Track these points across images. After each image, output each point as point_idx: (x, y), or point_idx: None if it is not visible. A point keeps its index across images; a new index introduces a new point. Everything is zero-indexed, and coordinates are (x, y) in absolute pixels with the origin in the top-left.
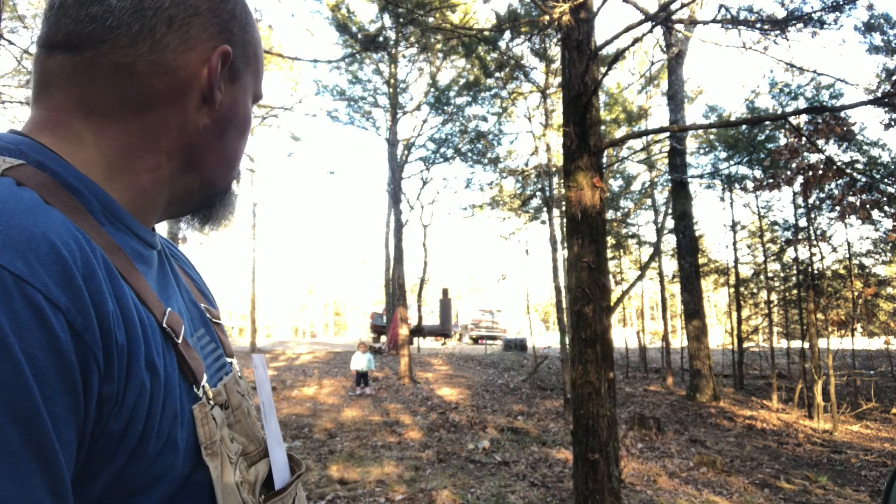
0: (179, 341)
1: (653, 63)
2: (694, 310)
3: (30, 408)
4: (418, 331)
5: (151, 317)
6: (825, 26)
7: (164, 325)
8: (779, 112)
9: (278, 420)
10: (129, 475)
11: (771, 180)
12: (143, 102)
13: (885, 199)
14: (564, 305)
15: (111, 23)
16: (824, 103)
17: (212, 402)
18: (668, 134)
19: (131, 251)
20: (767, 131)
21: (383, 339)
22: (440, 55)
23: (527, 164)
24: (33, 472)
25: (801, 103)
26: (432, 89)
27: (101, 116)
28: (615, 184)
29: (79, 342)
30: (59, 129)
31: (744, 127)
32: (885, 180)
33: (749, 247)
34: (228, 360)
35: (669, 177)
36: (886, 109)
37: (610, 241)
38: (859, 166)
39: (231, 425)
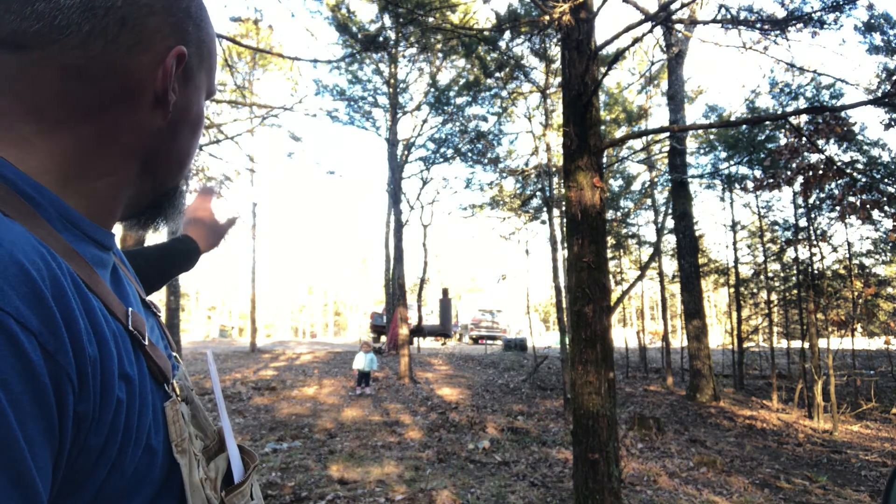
0: (146, 343)
1: (653, 63)
2: (694, 310)
3: (5, 435)
4: (418, 331)
5: (119, 325)
6: (825, 26)
7: (131, 328)
8: (779, 112)
9: (279, 420)
10: (111, 485)
11: (771, 180)
12: (95, 106)
13: (885, 199)
14: (564, 305)
15: (60, 22)
16: (824, 103)
17: (179, 398)
18: (668, 134)
19: (91, 257)
20: (767, 131)
21: (383, 339)
22: (440, 55)
23: (527, 164)
24: (11, 498)
25: (801, 103)
26: (432, 89)
27: (51, 121)
28: (615, 184)
29: (52, 364)
30: (8, 134)
31: (744, 127)
32: (885, 180)
33: (749, 247)
34: (173, 353)
35: (669, 177)
36: (886, 109)
37: (610, 241)
38: (859, 166)
39: (190, 420)
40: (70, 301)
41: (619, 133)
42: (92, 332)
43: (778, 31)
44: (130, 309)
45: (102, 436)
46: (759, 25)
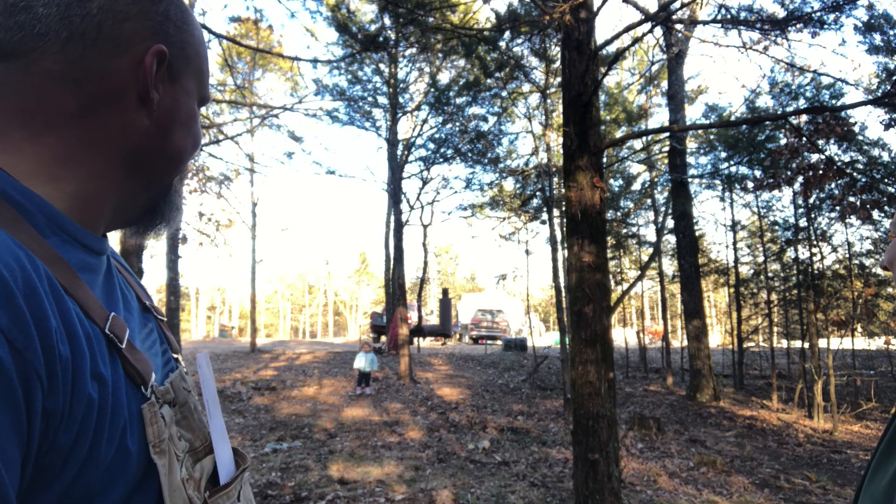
0: (123, 346)
1: (653, 63)
2: (694, 310)
3: None
4: (418, 331)
5: (96, 327)
6: (825, 26)
7: (108, 332)
8: (779, 112)
9: (279, 420)
10: (84, 483)
11: (771, 180)
12: (79, 109)
13: (885, 199)
14: (564, 305)
15: (39, 30)
16: (824, 103)
17: (160, 401)
18: (668, 134)
19: (77, 261)
20: (767, 131)
21: (383, 339)
22: (440, 55)
23: (527, 164)
24: None
25: (802, 103)
26: (432, 89)
27: (39, 125)
28: (615, 184)
29: (19, 360)
30: None
31: (744, 127)
32: (885, 180)
33: (749, 247)
34: (174, 356)
35: (669, 177)
36: (886, 109)
37: (610, 241)
38: (859, 166)
39: (178, 422)
40: (42, 302)
41: (619, 133)
42: (64, 332)
43: (778, 31)
44: (112, 314)
45: (72, 433)
46: (759, 25)
